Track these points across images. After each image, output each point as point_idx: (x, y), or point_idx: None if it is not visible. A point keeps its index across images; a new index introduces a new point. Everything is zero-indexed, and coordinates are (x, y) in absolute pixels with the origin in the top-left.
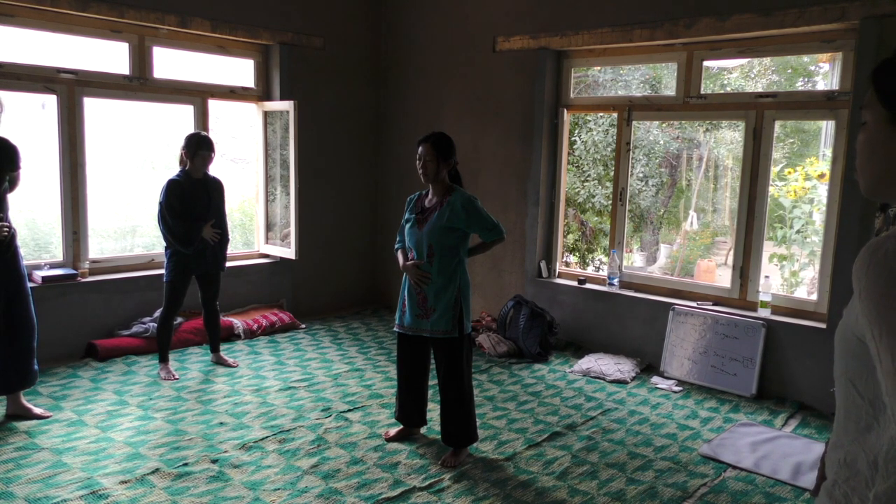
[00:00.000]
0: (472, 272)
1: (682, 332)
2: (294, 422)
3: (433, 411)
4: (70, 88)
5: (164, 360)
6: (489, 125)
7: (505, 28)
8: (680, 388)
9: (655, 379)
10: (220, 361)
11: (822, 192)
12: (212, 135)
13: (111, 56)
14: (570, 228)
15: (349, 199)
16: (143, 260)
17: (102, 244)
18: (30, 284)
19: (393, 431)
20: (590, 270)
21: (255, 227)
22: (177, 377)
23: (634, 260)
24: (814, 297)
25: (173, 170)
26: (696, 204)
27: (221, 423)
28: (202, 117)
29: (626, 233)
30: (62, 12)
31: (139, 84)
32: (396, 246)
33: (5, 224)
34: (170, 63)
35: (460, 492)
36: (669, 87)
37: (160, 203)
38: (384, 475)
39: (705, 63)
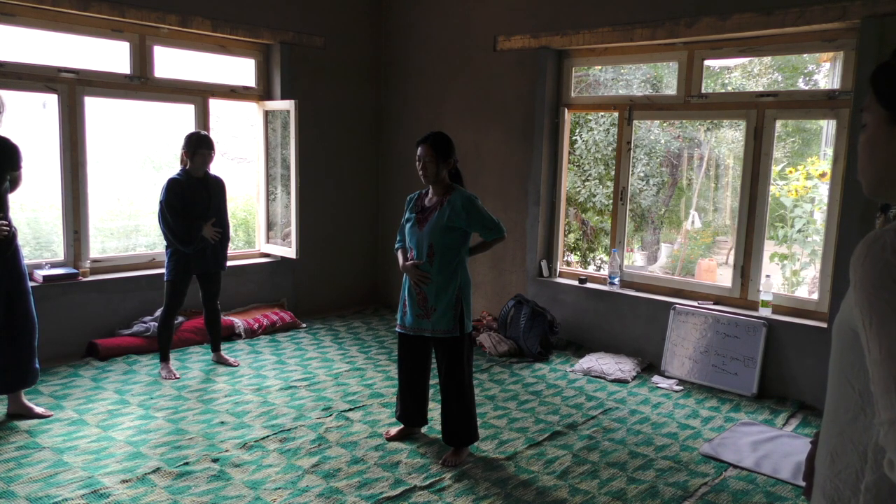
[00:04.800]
0: (472, 271)
1: (683, 331)
2: (295, 421)
3: (434, 410)
4: (71, 88)
5: (164, 359)
6: (490, 124)
7: (505, 27)
8: (681, 388)
9: (656, 378)
10: (220, 361)
11: (823, 191)
12: (212, 134)
13: (112, 55)
14: (571, 228)
15: (350, 198)
16: (143, 259)
17: (105, 243)
18: (31, 283)
19: (394, 431)
20: (591, 270)
21: (256, 226)
22: (178, 376)
23: (635, 259)
24: (815, 296)
25: (175, 169)
26: (697, 203)
27: (222, 423)
28: (203, 116)
29: (626, 232)
30: (63, 12)
31: (140, 83)
32: (396, 245)
33: (5, 223)
34: (171, 62)
35: (461, 491)
36: (670, 87)
37: (161, 202)
38: (385, 474)
39: (706, 62)
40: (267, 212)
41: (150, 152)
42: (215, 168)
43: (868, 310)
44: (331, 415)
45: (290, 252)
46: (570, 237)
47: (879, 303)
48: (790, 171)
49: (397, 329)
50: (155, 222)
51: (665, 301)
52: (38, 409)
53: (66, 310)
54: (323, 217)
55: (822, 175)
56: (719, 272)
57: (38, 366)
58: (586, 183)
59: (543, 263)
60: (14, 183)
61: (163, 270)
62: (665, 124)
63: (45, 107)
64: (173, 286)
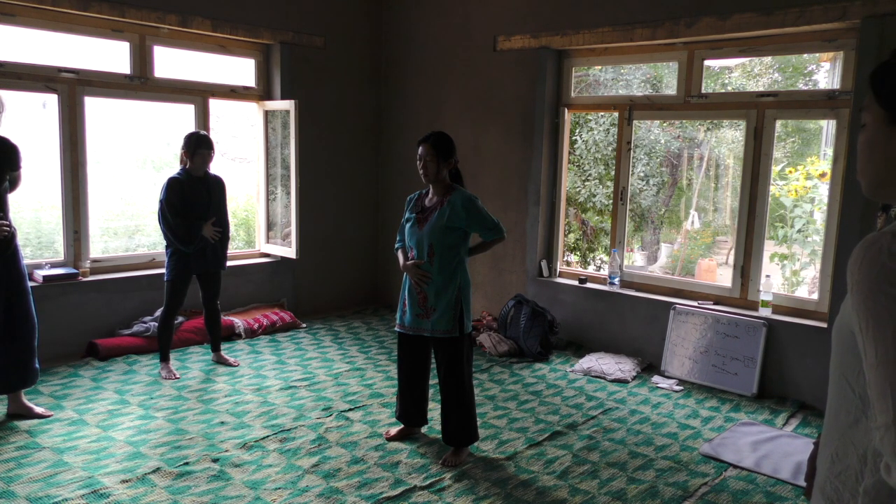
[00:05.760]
0: (472, 271)
1: (683, 331)
2: (295, 421)
3: (434, 410)
4: (71, 88)
5: (164, 359)
6: (490, 124)
7: (506, 27)
8: (681, 388)
9: (656, 378)
10: (220, 361)
11: (823, 191)
12: (212, 134)
13: (112, 55)
14: (571, 228)
15: (350, 198)
16: (143, 259)
17: (108, 243)
18: (31, 283)
19: (394, 431)
20: (591, 270)
21: (256, 226)
22: (178, 376)
23: (635, 259)
24: (815, 296)
25: (175, 169)
26: (697, 203)
27: (222, 423)
28: (203, 116)
29: (626, 232)
30: (63, 12)
31: (140, 83)
32: (397, 245)
33: (5, 223)
34: (171, 62)
35: (461, 491)
36: (670, 87)
37: (161, 201)
38: (385, 474)
39: (706, 62)
40: (267, 212)
41: (150, 152)
42: (215, 168)
43: (864, 313)
44: (331, 415)
45: (290, 252)
46: (570, 237)
47: (876, 307)
48: (790, 171)
49: (397, 328)
50: (156, 222)
51: (665, 301)
52: (38, 409)
53: (66, 310)
54: (323, 217)
55: (822, 175)
56: (719, 272)
57: (38, 366)
58: (586, 183)
59: (543, 263)
60: (14, 183)
61: (163, 270)
62: (665, 124)
63: (45, 107)
64: (173, 286)
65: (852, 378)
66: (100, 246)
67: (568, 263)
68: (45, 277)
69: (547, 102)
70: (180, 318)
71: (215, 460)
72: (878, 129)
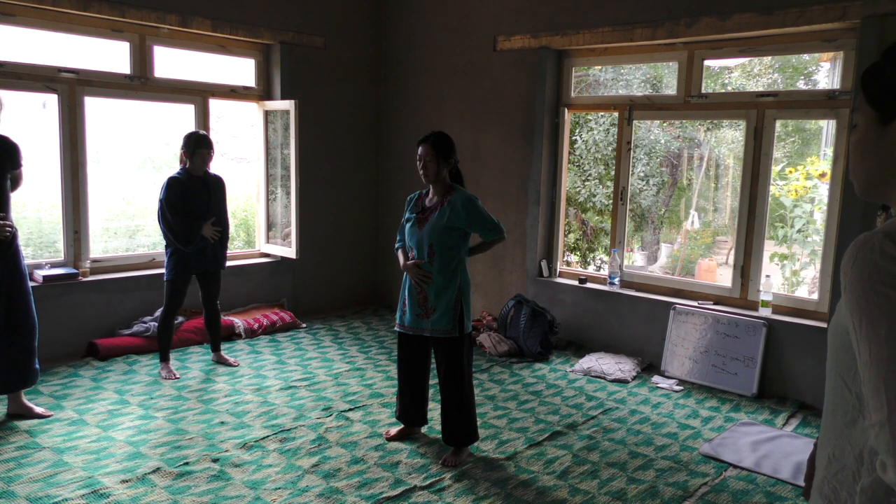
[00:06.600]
0: (472, 272)
1: (683, 331)
2: (295, 421)
3: (434, 410)
4: (71, 88)
5: (164, 359)
6: (490, 124)
7: (506, 27)
8: (681, 388)
9: (656, 378)
10: (220, 361)
11: (823, 191)
12: (212, 134)
13: (112, 55)
14: (571, 228)
15: (350, 198)
16: (143, 259)
17: (108, 243)
18: (31, 283)
19: (394, 431)
20: (591, 270)
21: (256, 226)
22: (178, 376)
23: (635, 259)
24: (815, 296)
25: (175, 169)
26: (697, 203)
27: (222, 423)
28: (203, 116)
29: (626, 232)
30: (63, 12)
31: (140, 83)
32: (397, 245)
33: (7, 224)
34: (171, 62)
35: (461, 491)
36: (670, 87)
37: (160, 200)
38: (385, 474)
39: (706, 62)
40: (267, 212)
41: (150, 152)
42: (215, 168)
43: (858, 312)
44: (331, 415)
45: (290, 252)
46: (570, 237)
47: (869, 305)
48: (790, 171)
49: (396, 328)
50: (155, 222)
51: (665, 301)
52: (38, 409)
53: (66, 310)
54: (323, 217)
55: (822, 175)
56: (719, 272)
57: (38, 366)
58: (586, 183)
59: (543, 263)
60: (15, 182)
61: (163, 270)
62: (665, 124)
63: (45, 107)
64: (173, 286)
65: (849, 378)
66: (100, 246)
67: (568, 263)
68: (45, 277)
69: (547, 102)
70: (180, 318)
71: (215, 460)
72: (870, 129)
